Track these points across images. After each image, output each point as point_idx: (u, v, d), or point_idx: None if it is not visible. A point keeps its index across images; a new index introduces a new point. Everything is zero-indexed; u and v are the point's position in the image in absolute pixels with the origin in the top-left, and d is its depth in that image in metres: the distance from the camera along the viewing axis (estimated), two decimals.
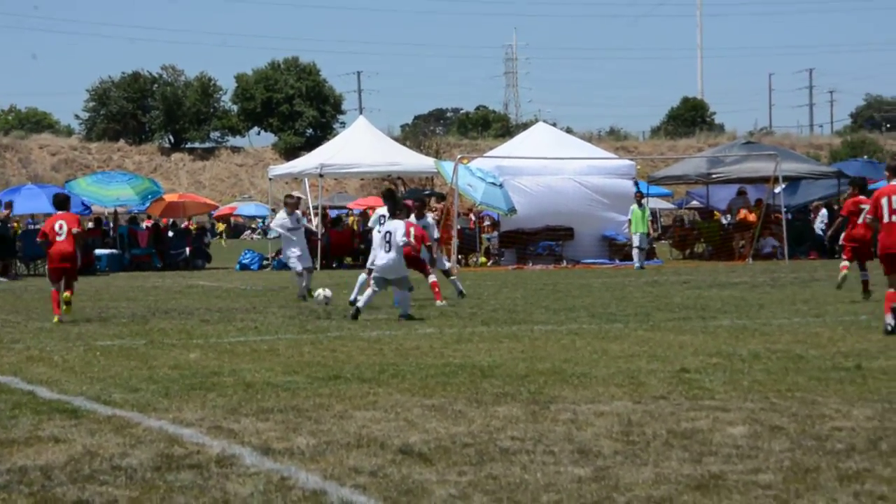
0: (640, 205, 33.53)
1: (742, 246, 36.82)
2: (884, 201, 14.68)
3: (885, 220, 14.63)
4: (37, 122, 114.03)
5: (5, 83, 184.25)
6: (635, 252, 33.30)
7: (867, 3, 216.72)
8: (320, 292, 20.87)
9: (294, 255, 22.54)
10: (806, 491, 6.63)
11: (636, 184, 40.71)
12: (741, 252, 36.56)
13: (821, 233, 40.27)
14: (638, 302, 20.31)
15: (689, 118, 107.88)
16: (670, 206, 67.86)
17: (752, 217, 36.98)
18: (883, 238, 14.76)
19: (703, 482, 6.83)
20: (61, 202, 18.88)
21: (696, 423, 8.59)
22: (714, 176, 40.76)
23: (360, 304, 17.76)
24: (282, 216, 23.00)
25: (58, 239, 18.01)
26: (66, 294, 17.96)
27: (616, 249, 37.01)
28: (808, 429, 8.34)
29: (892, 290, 14.35)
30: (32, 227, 44.75)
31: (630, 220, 33.40)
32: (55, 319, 17.75)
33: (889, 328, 14.16)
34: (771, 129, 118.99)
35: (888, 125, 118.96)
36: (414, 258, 18.54)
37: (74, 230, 18.05)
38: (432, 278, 19.94)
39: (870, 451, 7.58)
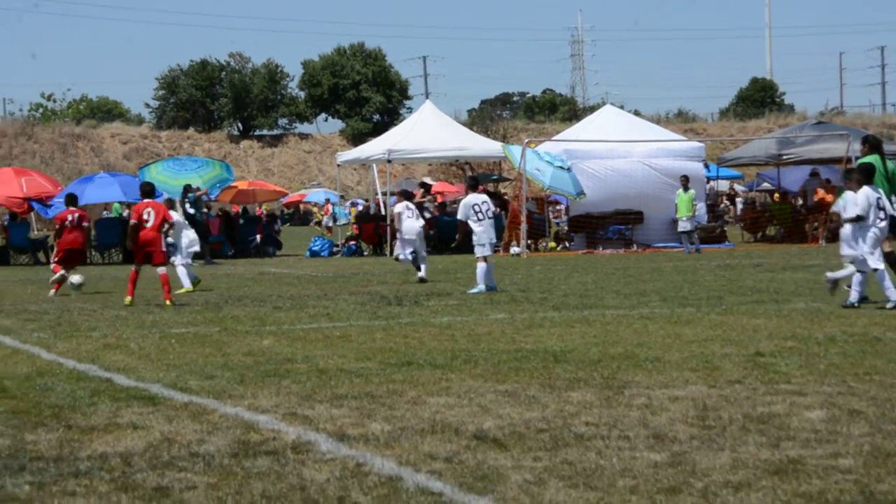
0: (685, 188, 33.27)
1: (815, 228, 36.42)
2: None
3: None
4: (108, 112, 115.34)
5: (77, 73, 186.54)
6: (683, 237, 33.09)
7: None
8: (76, 277, 21.63)
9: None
10: (887, 475, 6.55)
11: (706, 166, 40.44)
12: (814, 234, 36.17)
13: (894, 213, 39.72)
14: (710, 285, 20.17)
15: (759, 99, 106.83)
16: (741, 187, 67.23)
17: (829, 197, 36.50)
18: None
19: (781, 467, 6.77)
20: (149, 191, 19.88)
21: (772, 408, 8.52)
22: (784, 157, 40.34)
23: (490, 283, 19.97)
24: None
25: (146, 226, 19.03)
26: (167, 302, 18.69)
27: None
28: (887, 412, 8.24)
29: None
30: (107, 216, 45.29)
31: (676, 205, 33.16)
32: (127, 300, 18.56)
33: None
34: (842, 108, 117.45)
35: None
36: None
37: (165, 224, 19.39)
38: None
39: None
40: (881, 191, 15.86)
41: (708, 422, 8.08)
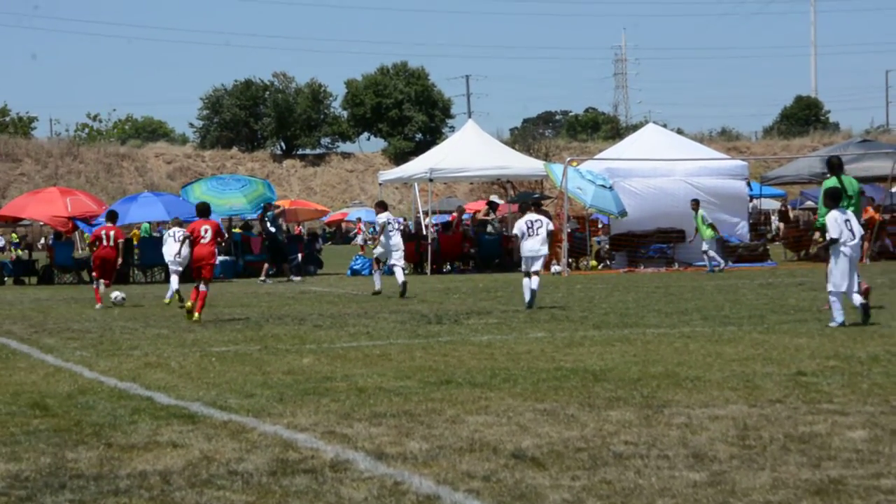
0: (696, 211, 33.26)
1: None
2: None
3: None
4: (152, 131, 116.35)
5: (121, 93, 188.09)
6: (705, 256, 33.06)
7: None
8: (116, 294, 23.59)
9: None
10: None
11: (749, 184, 40.23)
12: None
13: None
14: (752, 304, 20.05)
15: (803, 117, 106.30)
16: (776, 205, 66.79)
17: (878, 216, 36.25)
18: None
19: (822, 487, 6.71)
20: (204, 210, 20.58)
21: (813, 427, 8.45)
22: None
23: (530, 296, 20.17)
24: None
25: (201, 242, 19.84)
26: (196, 315, 19.18)
27: (729, 251, 36.57)
28: None
29: None
30: (157, 234, 45.53)
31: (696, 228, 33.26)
32: (188, 304, 19.49)
33: None
34: (888, 127, 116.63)
35: None
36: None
37: (220, 241, 20.40)
38: None
39: None
40: (849, 212, 16.33)
41: (748, 441, 8.03)
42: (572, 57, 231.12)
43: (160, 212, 37.73)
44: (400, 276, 24.93)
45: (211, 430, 8.87)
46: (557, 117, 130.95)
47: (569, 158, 38.88)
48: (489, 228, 40.10)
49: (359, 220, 68.06)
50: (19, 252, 47.41)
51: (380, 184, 44.28)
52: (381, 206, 26.55)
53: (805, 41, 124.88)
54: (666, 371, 11.58)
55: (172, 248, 24.69)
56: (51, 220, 37.48)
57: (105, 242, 24.18)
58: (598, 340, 14.70)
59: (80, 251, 44.33)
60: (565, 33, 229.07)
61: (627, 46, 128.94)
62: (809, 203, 52.39)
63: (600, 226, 41.04)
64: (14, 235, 78.26)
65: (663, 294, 23.50)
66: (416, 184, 43.92)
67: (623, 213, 35.10)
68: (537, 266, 20.62)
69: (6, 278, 36.37)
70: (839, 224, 15.88)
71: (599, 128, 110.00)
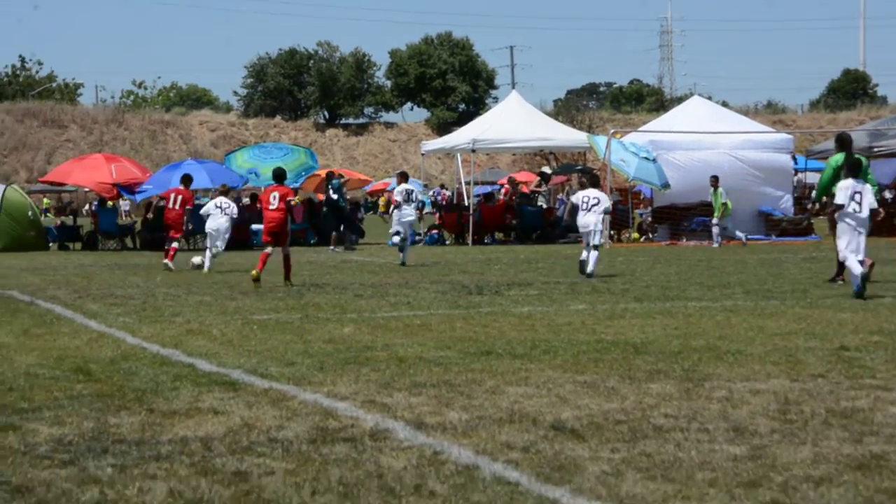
0: (714, 188, 33.08)
1: None
2: None
3: None
4: (197, 99, 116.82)
5: (166, 61, 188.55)
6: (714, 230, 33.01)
7: None
8: (196, 259, 24.65)
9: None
10: None
11: (794, 158, 39.94)
12: None
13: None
14: (795, 278, 19.93)
15: (851, 90, 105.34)
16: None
17: None
18: None
19: (864, 462, 6.67)
20: (279, 175, 21.10)
21: (856, 403, 8.39)
22: (875, 149, 39.65)
23: (589, 269, 20.46)
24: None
25: (269, 208, 20.20)
26: (286, 281, 19.95)
27: (773, 225, 36.36)
28: None
29: None
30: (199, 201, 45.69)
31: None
32: (254, 273, 19.68)
33: None
34: None
35: None
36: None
37: (293, 201, 21.01)
38: None
39: None
40: (864, 185, 16.60)
41: (789, 416, 7.99)
42: (617, 28, 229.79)
43: (204, 179, 37.83)
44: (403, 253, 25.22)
45: (252, 398, 8.92)
46: (602, 89, 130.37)
47: (612, 130, 38.74)
48: (540, 200, 40.05)
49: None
50: (63, 218, 47.62)
51: (422, 154, 44.29)
52: (402, 177, 26.98)
53: (854, 13, 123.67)
54: (707, 344, 11.53)
55: (216, 221, 24.94)
56: (96, 186, 37.70)
57: (171, 205, 25.63)
58: (639, 313, 14.65)
59: (123, 218, 44.64)
60: (611, 4, 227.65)
61: (673, 18, 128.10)
62: None
63: (643, 198, 40.91)
64: (46, 201, 78.67)
65: (705, 267, 23.39)
66: (458, 154, 43.90)
67: (666, 186, 34.94)
68: (595, 240, 20.82)
69: (51, 244, 36.64)
70: (847, 193, 16.30)
71: (644, 100, 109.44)
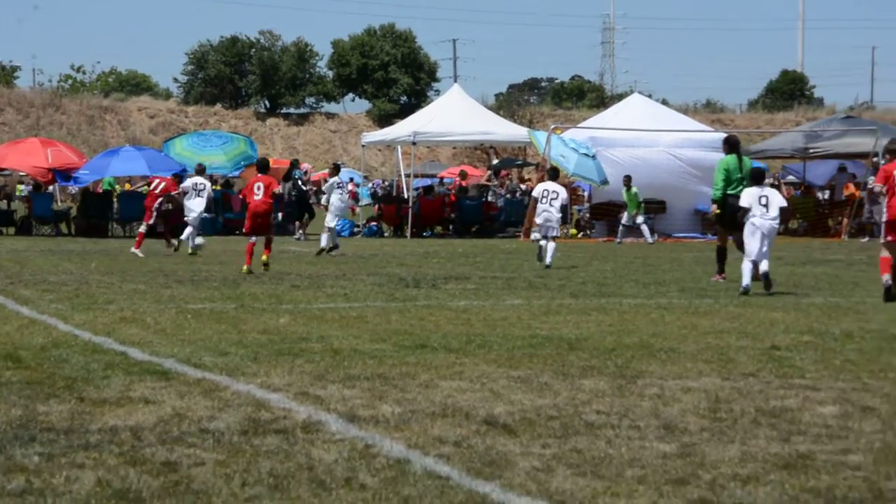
0: (628, 188, 33.38)
1: (839, 222, 36.28)
2: None
3: None
4: (136, 85, 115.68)
5: (106, 45, 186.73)
6: (624, 230, 33.53)
7: None
8: (199, 239, 25.34)
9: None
10: None
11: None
12: (837, 228, 36.03)
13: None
14: (730, 277, 20.07)
15: (788, 91, 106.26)
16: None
17: (858, 193, 36.35)
18: (894, 205, 16.29)
19: (790, 461, 6.75)
20: (263, 165, 21.54)
21: (785, 402, 8.48)
22: (811, 151, 40.16)
23: (548, 259, 21.52)
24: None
25: (255, 198, 20.50)
26: (264, 256, 20.19)
27: (709, 224, 36.64)
28: None
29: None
30: (135, 188, 45.34)
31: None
32: (244, 269, 19.87)
33: (887, 283, 15.84)
34: (872, 103, 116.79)
35: None
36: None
37: (276, 190, 21.09)
38: None
39: None
40: (770, 189, 17.59)
41: (719, 414, 8.06)
42: (560, 24, 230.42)
43: (142, 166, 37.53)
44: (323, 240, 26.01)
45: (184, 388, 8.86)
46: (543, 84, 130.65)
47: (553, 126, 38.90)
48: (490, 195, 40.19)
49: (351, 180, 67.90)
50: None
51: (363, 145, 44.27)
52: (334, 169, 28.59)
53: (793, 14, 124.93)
54: (641, 342, 11.61)
55: (195, 203, 26.22)
56: (31, 170, 37.29)
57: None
58: (574, 309, 14.72)
59: (58, 203, 44.16)
60: (554, 0, 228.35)
61: (615, 15, 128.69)
62: (791, 178, 52.49)
63: (582, 194, 41.08)
64: None
65: (641, 264, 23.54)
66: (399, 147, 43.88)
67: (605, 183, 35.13)
68: (552, 233, 22.05)
69: None
70: (753, 197, 17.11)
71: (585, 96, 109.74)
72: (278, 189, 21.83)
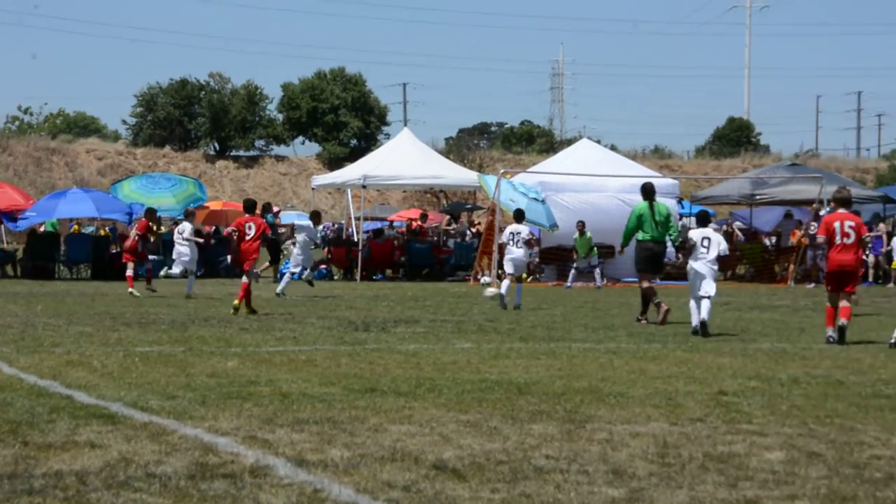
0: (581, 233, 33.80)
1: (785, 268, 36.61)
2: (836, 225, 16.75)
3: (838, 241, 16.66)
4: (84, 127, 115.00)
5: (54, 87, 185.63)
6: (575, 273, 33.73)
7: None
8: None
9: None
10: None
11: (680, 202, 40.61)
12: (783, 275, 36.35)
13: (863, 257, 39.93)
14: (677, 322, 20.19)
15: (735, 138, 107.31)
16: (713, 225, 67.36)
17: (805, 240, 36.68)
18: (836, 258, 16.78)
19: None
20: (251, 206, 22.33)
21: (732, 447, 8.52)
22: (758, 197, 40.56)
23: (518, 300, 22.83)
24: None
25: (246, 238, 21.28)
26: (236, 301, 20.71)
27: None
28: (846, 456, 8.27)
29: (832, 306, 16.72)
30: (88, 231, 45.02)
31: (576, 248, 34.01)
32: (235, 303, 20.63)
33: (831, 340, 16.47)
34: (817, 151, 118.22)
35: None
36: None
37: (268, 233, 22.29)
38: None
39: None
40: (711, 231, 18.62)
41: (668, 459, 8.09)
42: (510, 69, 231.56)
43: (89, 208, 37.33)
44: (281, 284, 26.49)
45: (130, 431, 8.79)
46: (493, 129, 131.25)
47: (502, 170, 39.01)
48: (452, 241, 40.33)
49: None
50: None
51: (313, 188, 44.20)
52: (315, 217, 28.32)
53: (740, 63, 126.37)
54: (590, 386, 11.64)
55: (182, 249, 26.77)
56: None
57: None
58: (524, 353, 14.74)
59: (4, 244, 43.75)
60: (504, 45, 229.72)
61: (565, 61, 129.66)
62: (738, 224, 52.98)
63: (531, 238, 41.19)
64: None
65: (591, 309, 23.63)
66: (349, 190, 43.90)
67: (554, 227, 35.27)
68: (520, 271, 23.53)
69: None
70: (697, 239, 18.15)
71: (534, 141, 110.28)
72: (269, 232, 22.90)
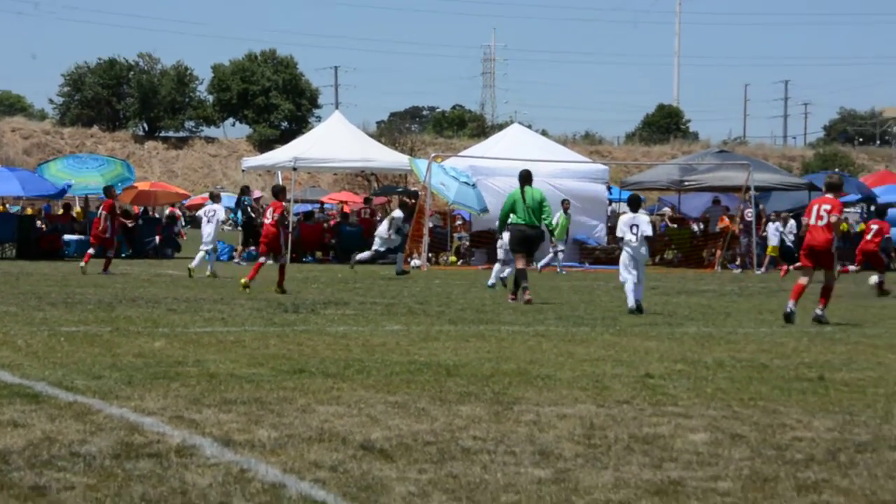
0: (566, 213, 33.70)
1: (713, 253, 36.99)
2: (815, 207, 17.62)
3: (812, 223, 17.47)
4: (10, 105, 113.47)
5: None
6: (560, 255, 33.40)
7: (843, 18, 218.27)
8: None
9: None
10: (763, 499, 6.66)
11: (609, 188, 40.87)
12: (710, 260, 36.71)
13: (790, 244, 40.45)
14: (606, 306, 20.35)
15: (664, 125, 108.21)
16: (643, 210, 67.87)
17: (732, 226, 37.05)
18: (808, 238, 17.56)
19: (662, 487, 6.85)
20: (277, 191, 23.08)
21: (657, 429, 8.61)
22: (686, 183, 40.90)
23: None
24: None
25: (266, 222, 22.33)
26: (277, 286, 21.51)
27: (586, 253, 37.14)
28: (768, 438, 8.38)
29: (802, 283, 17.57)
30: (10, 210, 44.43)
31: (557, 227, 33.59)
32: (242, 282, 21.62)
33: (788, 310, 17.29)
34: (745, 138, 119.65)
35: (860, 139, 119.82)
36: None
37: (275, 215, 22.12)
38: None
39: (828, 462, 7.61)
40: (641, 217, 19.11)
41: (594, 440, 8.15)
42: (442, 54, 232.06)
43: (15, 187, 36.88)
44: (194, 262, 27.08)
45: (55, 411, 8.70)
46: (424, 113, 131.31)
47: (433, 154, 39.07)
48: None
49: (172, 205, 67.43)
50: None
51: (243, 170, 43.95)
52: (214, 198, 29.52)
53: (670, 50, 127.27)
54: (518, 368, 11.69)
55: (203, 228, 27.80)
56: None
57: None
58: (453, 335, 14.78)
59: None
60: (436, 29, 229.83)
61: (497, 46, 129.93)
62: (666, 209, 53.43)
63: (461, 222, 41.30)
64: None
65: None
66: (279, 172, 43.67)
67: (484, 211, 35.34)
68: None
69: None
70: (626, 225, 18.91)
71: (465, 125, 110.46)
72: (285, 213, 23.06)
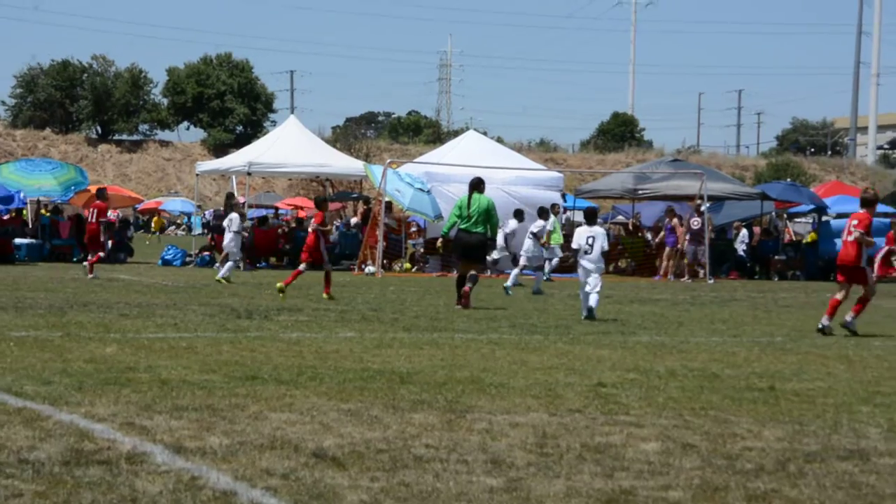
0: (556, 214, 33.65)
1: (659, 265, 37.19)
2: (847, 223, 17.93)
3: (844, 238, 17.71)
4: None
5: None
6: (555, 261, 33.29)
7: (797, 29, 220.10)
8: None
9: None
10: None
11: (563, 196, 41.00)
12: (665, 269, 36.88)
13: (742, 253, 40.77)
14: (559, 314, 20.41)
15: (619, 133, 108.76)
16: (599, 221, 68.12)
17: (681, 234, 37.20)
18: (840, 254, 17.87)
19: (613, 497, 6.87)
20: (319, 202, 24.15)
21: (609, 438, 8.64)
22: (640, 192, 41.12)
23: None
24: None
25: (309, 230, 23.25)
26: (325, 293, 22.25)
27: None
28: (719, 447, 8.43)
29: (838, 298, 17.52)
30: None
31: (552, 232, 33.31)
32: (279, 285, 21.98)
33: (821, 325, 17.45)
34: (699, 147, 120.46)
35: (812, 149, 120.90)
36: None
37: (322, 226, 22.86)
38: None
39: (778, 472, 7.67)
40: (598, 230, 19.52)
41: (546, 449, 8.17)
42: (398, 59, 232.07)
43: None
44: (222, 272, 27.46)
45: (3, 417, 8.62)
46: (380, 118, 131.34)
47: (389, 160, 39.03)
48: (267, 225, 40.14)
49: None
50: None
51: (197, 174, 43.74)
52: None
53: (625, 59, 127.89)
54: (471, 376, 11.70)
55: (225, 238, 28.52)
56: None
57: (90, 219, 28.95)
58: (406, 343, 14.77)
59: None
60: (393, 35, 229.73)
61: (453, 52, 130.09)
62: (620, 217, 53.67)
63: (416, 229, 41.31)
64: None
65: (474, 300, 23.71)
66: (234, 176, 43.56)
67: (439, 217, 35.33)
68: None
69: None
70: (582, 238, 19.47)
71: (421, 131, 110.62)
72: (320, 225, 23.18)
